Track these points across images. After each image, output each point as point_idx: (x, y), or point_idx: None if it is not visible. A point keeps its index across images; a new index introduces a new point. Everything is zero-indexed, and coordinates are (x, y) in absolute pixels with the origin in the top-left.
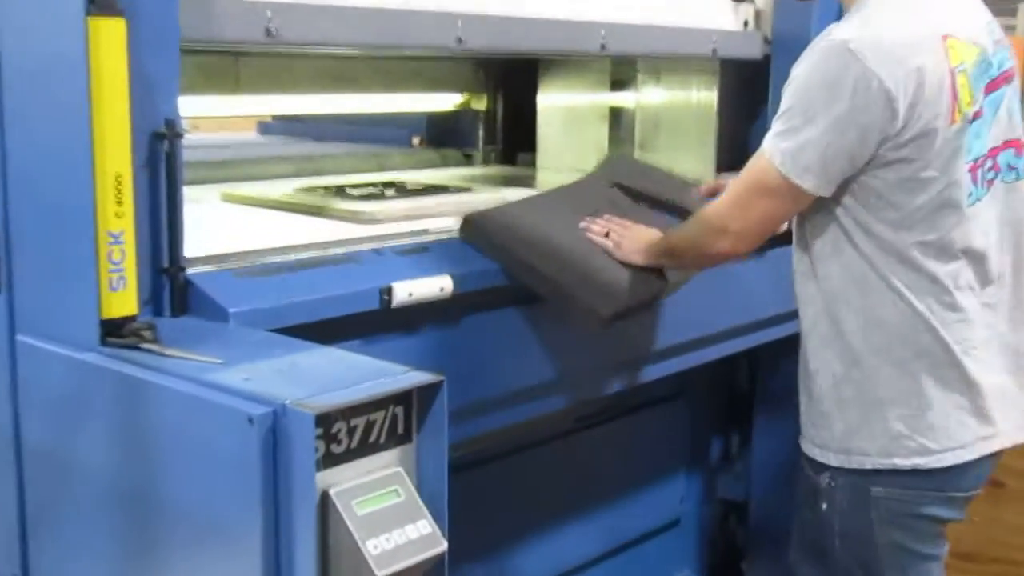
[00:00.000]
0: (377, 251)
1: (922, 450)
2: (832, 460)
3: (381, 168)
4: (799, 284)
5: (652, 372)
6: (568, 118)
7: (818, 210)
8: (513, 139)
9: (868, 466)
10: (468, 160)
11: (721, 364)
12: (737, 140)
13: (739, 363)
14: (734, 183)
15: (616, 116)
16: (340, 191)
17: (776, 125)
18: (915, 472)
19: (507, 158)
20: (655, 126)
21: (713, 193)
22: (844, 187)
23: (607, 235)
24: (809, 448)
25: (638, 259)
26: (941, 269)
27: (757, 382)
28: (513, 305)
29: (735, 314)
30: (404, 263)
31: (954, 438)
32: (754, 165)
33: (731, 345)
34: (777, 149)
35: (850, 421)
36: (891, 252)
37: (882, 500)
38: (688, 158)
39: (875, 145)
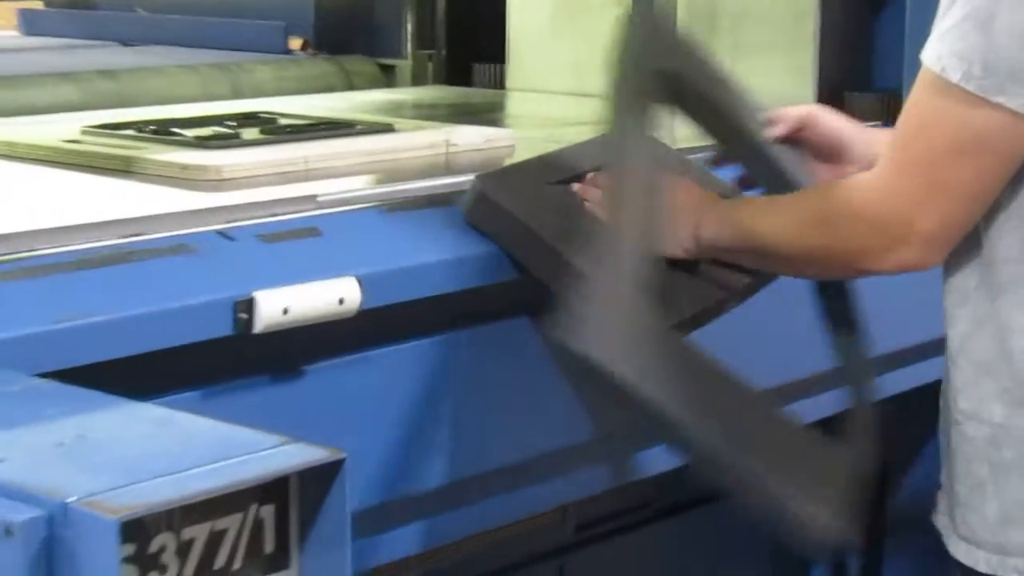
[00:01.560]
0: (226, 235)
1: None
2: (981, 564)
3: (236, 92)
4: (954, 295)
5: None
6: (561, 2)
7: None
8: (465, 40)
9: None
10: (387, 75)
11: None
12: (854, 37)
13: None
14: (895, 136)
15: None
16: (163, 132)
17: (945, 19)
18: None
19: (455, 72)
20: (710, 14)
21: (796, 130)
22: None
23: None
24: (953, 544)
25: (687, 250)
26: None
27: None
28: (473, 325)
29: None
30: (275, 256)
31: None
32: (925, 101)
33: (830, 398)
34: (960, 57)
35: (1009, 498)
36: None
37: None
38: (768, 67)
39: None
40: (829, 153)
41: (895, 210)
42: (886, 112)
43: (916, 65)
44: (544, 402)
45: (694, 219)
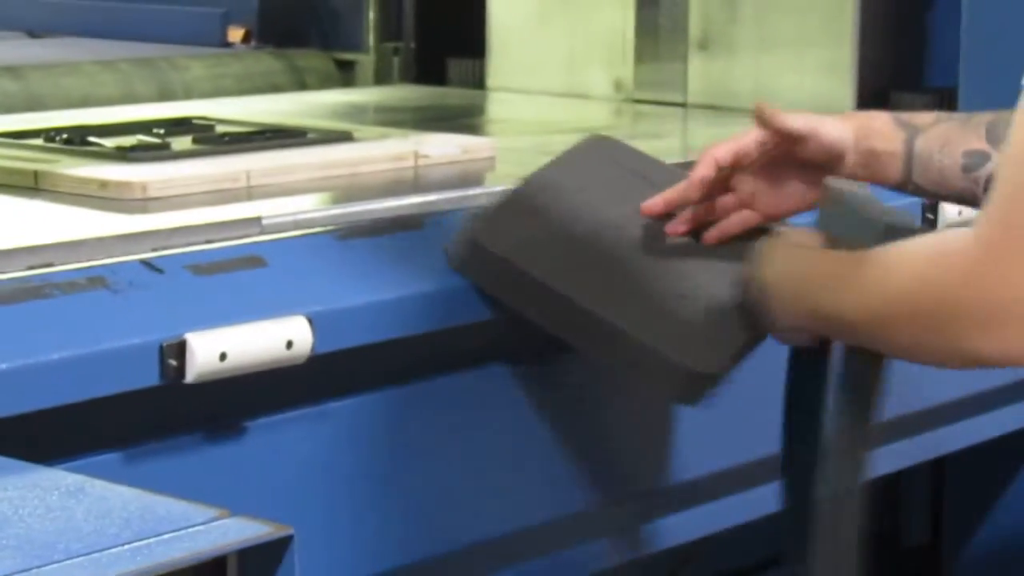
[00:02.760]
0: (152, 266)
1: None
2: None
3: (164, 93)
4: None
5: (733, 512)
6: None
7: None
8: (438, 30)
9: None
10: (345, 73)
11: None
12: (902, 28)
13: (906, 498)
14: (995, 185)
15: None
16: (77, 141)
17: None
18: None
19: (426, 69)
20: (730, 2)
21: (791, 143)
22: None
23: None
24: None
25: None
26: None
27: (943, 534)
28: (444, 373)
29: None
30: (211, 291)
31: None
32: None
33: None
34: None
35: None
36: None
37: None
38: (800, 63)
39: None
40: (822, 165)
41: (1005, 282)
42: None
43: (974, 61)
44: (531, 463)
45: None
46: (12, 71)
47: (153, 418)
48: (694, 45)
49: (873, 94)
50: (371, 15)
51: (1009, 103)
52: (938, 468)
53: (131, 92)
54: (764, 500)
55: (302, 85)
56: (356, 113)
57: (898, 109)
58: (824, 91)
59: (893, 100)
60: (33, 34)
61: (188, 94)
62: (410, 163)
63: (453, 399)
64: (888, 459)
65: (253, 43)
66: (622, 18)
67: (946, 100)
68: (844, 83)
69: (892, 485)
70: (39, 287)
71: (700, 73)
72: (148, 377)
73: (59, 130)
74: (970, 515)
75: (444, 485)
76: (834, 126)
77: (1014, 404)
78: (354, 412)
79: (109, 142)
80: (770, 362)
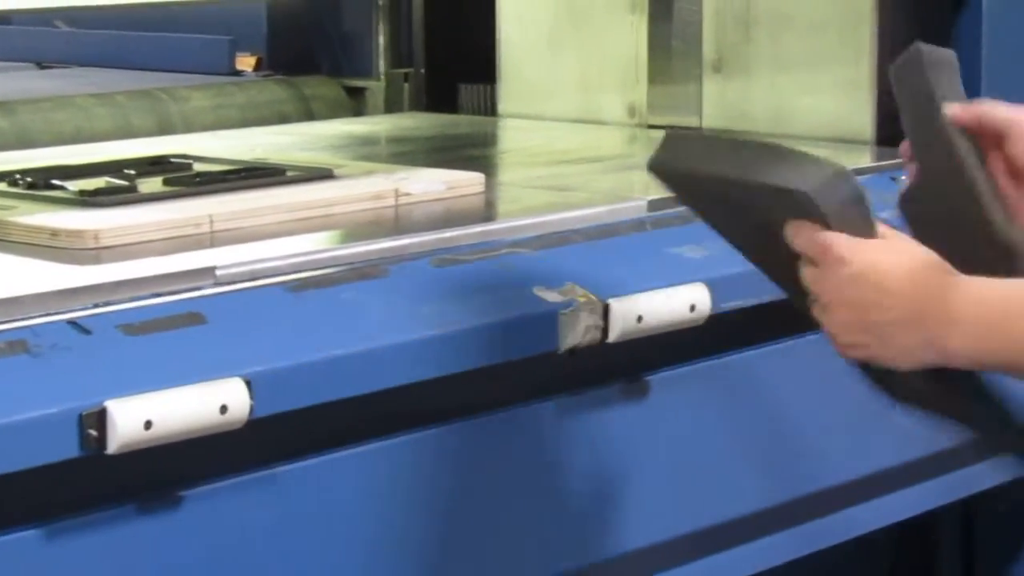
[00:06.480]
0: (80, 326)
1: None
2: None
3: (163, 125)
4: None
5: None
6: (562, 6)
7: None
8: (448, 56)
9: None
10: (356, 99)
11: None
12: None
13: (939, 538)
14: None
15: (663, 1)
16: (40, 185)
17: None
18: None
19: (437, 95)
20: (743, 20)
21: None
22: None
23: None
24: None
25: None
26: None
27: (976, 574)
28: (397, 434)
29: (915, 435)
30: (140, 353)
31: None
32: None
33: (904, 502)
34: None
35: None
36: None
37: None
38: (816, 82)
39: None
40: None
41: None
42: None
43: (997, 76)
44: (503, 530)
45: (935, 324)
46: (3, 106)
47: (73, 492)
48: (708, 67)
49: (893, 114)
50: (381, 41)
51: None
52: (970, 508)
53: (127, 125)
54: None
55: (310, 113)
56: (357, 145)
57: None
58: (843, 111)
59: None
60: (42, 65)
61: (188, 126)
62: (390, 202)
63: (401, 463)
64: (919, 499)
65: (261, 67)
66: (634, 41)
67: None
68: (863, 102)
69: (925, 526)
70: None
71: (715, 95)
72: (67, 449)
73: (26, 172)
74: (1003, 555)
75: (404, 551)
76: None
77: None
78: (297, 479)
79: (74, 185)
80: None
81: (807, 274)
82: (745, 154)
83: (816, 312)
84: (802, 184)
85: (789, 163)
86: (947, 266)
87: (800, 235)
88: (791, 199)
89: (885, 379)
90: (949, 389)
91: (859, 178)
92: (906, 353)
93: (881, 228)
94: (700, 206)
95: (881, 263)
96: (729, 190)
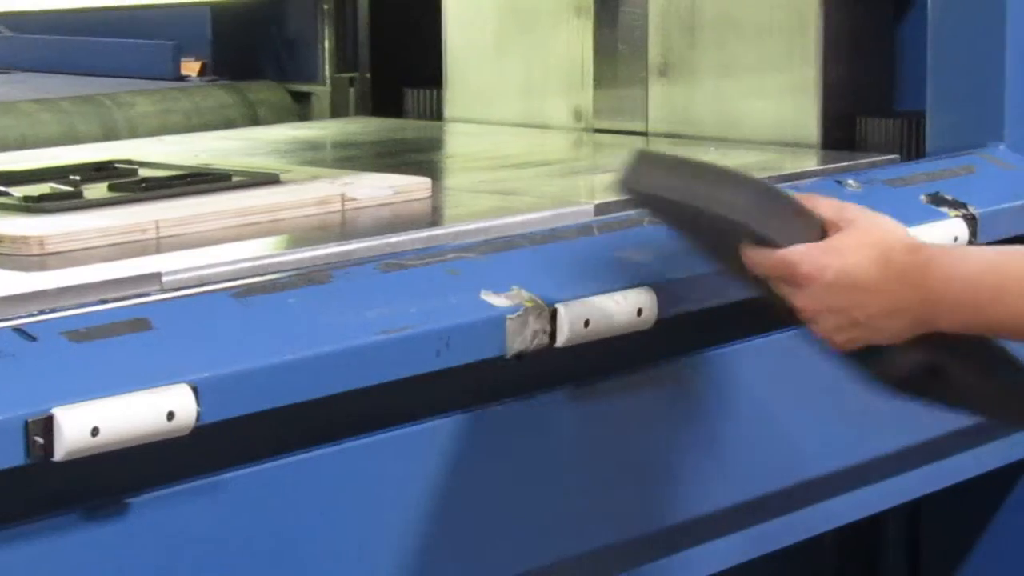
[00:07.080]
0: (25, 333)
1: None
2: None
3: (107, 131)
4: None
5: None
6: (507, 10)
7: None
8: (394, 61)
9: None
10: (302, 104)
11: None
12: (871, 49)
13: (884, 541)
14: None
15: (608, 5)
16: None
17: None
18: None
19: (383, 99)
20: (689, 24)
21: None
22: None
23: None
24: None
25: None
26: None
27: None
28: (344, 440)
29: (863, 438)
30: (86, 360)
31: None
32: None
33: (851, 504)
34: None
35: None
36: None
37: None
38: (762, 87)
39: None
40: None
41: None
42: (908, 142)
43: (942, 84)
44: (454, 536)
45: (920, 307)
46: None
47: (19, 500)
48: (654, 71)
49: (839, 118)
50: (327, 45)
51: (976, 128)
52: (916, 510)
53: (72, 131)
54: None
55: (255, 118)
56: (303, 149)
57: (865, 136)
58: (789, 116)
59: (861, 126)
60: None
61: (133, 132)
62: (336, 207)
63: (359, 466)
64: (866, 501)
65: (205, 72)
66: (580, 45)
67: (914, 125)
68: (809, 106)
69: (870, 528)
70: None
71: (661, 100)
72: (13, 457)
73: None
74: (949, 557)
75: (351, 558)
76: None
77: (991, 443)
78: (245, 485)
79: (19, 191)
80: None
81: (783, 292)
82: (707, 177)
83: (804, 321)
84: (731, 212)
85: (726, 187)
86: (912, 242)
87: (758, 263)
88: (733, 226)
89: (882, 366)
90: (948, 363)
91: (805, 182)
92: (898, 335)
93: (828, 212)
94: (670, 222)
95: (849, 266)
96: (692, 214)
